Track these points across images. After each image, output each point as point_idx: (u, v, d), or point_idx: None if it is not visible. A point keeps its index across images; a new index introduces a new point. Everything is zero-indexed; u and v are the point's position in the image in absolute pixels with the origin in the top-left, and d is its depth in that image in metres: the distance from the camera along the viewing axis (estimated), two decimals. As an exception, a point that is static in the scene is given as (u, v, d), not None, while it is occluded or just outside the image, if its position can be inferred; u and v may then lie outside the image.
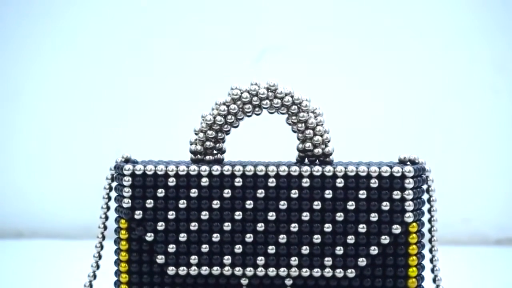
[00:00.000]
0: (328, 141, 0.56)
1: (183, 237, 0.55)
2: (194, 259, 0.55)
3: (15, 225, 1.06)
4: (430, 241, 0.58)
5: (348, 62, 1.04)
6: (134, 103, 1.06)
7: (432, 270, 0.58)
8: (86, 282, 0.59)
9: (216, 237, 0.55)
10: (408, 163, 0.57)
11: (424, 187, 0.57)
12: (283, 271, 0.55)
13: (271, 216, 0.55)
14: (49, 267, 0.88)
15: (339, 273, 0.55)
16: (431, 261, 0.58)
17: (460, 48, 1.05)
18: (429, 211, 0.58)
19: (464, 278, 0.81)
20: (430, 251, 0.58)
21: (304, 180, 0.55)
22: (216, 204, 0.55)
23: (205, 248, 0.55)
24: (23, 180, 1.08)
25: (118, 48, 1.08)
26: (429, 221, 0.58)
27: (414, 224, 0.55)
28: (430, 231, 0.58)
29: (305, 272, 0.55)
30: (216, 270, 0.55)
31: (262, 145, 0.86)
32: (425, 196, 0.57)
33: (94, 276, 0.59)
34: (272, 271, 0.55)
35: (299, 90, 0.57)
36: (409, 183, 0.55)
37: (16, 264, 0.90)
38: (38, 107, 1.09)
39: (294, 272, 0.55)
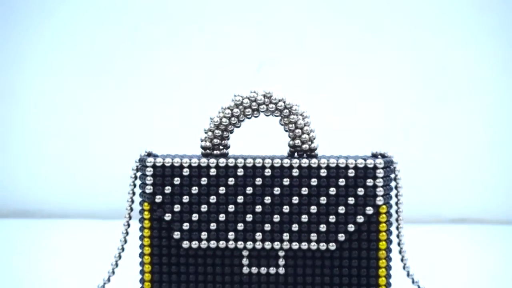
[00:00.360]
0: (314, 139, 0.57)
1: (195, 217, 0.55)
2: (204, 235, 0.55)
3: (56, 207, 1.06)
4: (397, 220, 0.58)
5: (332, 72, 1.03)
6: (156, 107, 1.06)
7: (398, 244, 0.58)
8: (116, 254, 0.59)
9: (222, 217, 0.55)
10: (379, 156, 0.57)
11: (392, 176, 0.57)
12: (277, 245, 0.55)
13: (267, 200, 0.55)
14: (84, 243, 0.88)
15: (323, 246, 0.55)
16: (398, 236, 0.58)
17: (432, 46, 1.05)
18: (396, 195, 0.58)
19: (424, 250, 0.81)
20: (397, 228, 0.58)
21: (294, 170, 0.55)
22: (222, 190, 0.55)
23: (213, 226, 0.55)
24: (65, 170, 1.07)
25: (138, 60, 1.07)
26: (396, 203, 0.58)
27: (384, 206, 0.55)
28: (397, 211, 0.58)
29: (295, 245, 0.55)
30: (222, 244, 0.55)
31: (260, 142, 0.86)
32: (393, 183, 0.57)
33: (123, 249, 0.59)
34: (268, 245, 0.55)
35: (290, 96, 0.57)
36: (380, 173, 0.55)
37: (57, 241, 0.90)
38: (79, 107, 1.09)
39: (286, 245, 0.55)
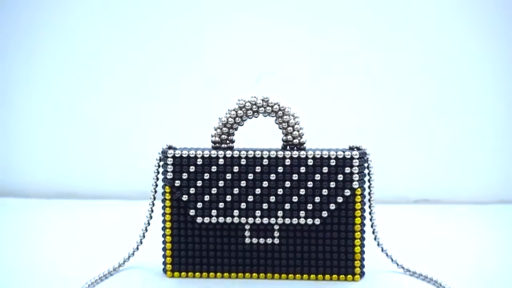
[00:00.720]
0: (303, 135, 0.57)
1: (207, 198, 0.56)
2: (214, 212, 0.57)
3: (93, 190, 1.08)
4: (369, 200, 0.59)
5: (318, 80, 1.04)
6: (173, 108, 1.06)
7: (371, 219, 0.60)
8: (143, 227, 0.60)
9: (228, 198, 0.56)
10: (355, 149, 0.58)
11: (365, 164, 0.58)
12: (273, 220, 0.56)
13: (265, 184, 0.56)
14: (117, 220, 0.88)
15: (309, 221, 0.56)
16: (370, 213, 0.59)
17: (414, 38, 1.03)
18: (369, 180, 0.59)
19: (392, 226, 0.82)
20: (369, 207, 0.59)
21: (287, 160, 0.56)
22: (228, 176, 0.56)
23: (221, 205, 0.56)
24: (99, 159, 1.08)
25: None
26: (369, 187, 0.59)
27: (359, 189, 0.57)
28: (369, 194, 0.59)
29: (287, 220, 0.56)
30: (228, 219, 0.57)
31: (259, 137, 0.87)
32: (366, 171, 0.58)
33: (149, 223, 0.60)
34: (265, 220, 0.56)
35: (283, 100, 0.58)
36: (356, 162, 0.56)
37: (92, 219, 0.89)
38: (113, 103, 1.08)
39: (280, 221, 0.56)
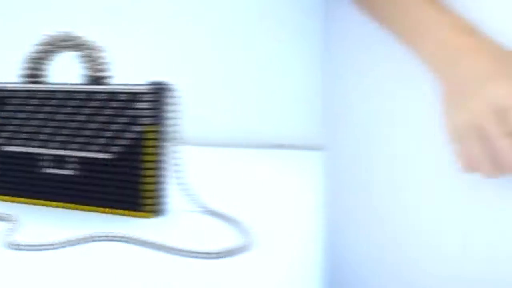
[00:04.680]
0: (105, 69, 0.57)
1: (10, 128, 0.59)
2: (17, 142, 0.59)
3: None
4: (173, 139, 0.58)
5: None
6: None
7: (174, 160, 0.59)
8: None
9: (28, 129, 0.59)
10: (157, 84, 0.56)
11: (168, 100, 0.56)
12: (67, 152, 0.58)
13: (60, 117, 0.57)
14: None
15: (101, 155, 0.57)
16: (174, 153, 0.58)
17: None
18: (174, 118, 0.57)
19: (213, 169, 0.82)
20: (173, 147, 0.58)
21: (80, 94, 0.57)
22: (28, 108, 0.58)
23: (24, 135, 0.59)
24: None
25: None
26: (174, 125, 0.58)
27: (152, 126, 0.55)
28: (174, 132, 0.57)
29: (80, 153, 0.57)
30: (30, 150, 0.59)
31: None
32: (173, 107, 0.56)
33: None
34: (61, 152, 0.58)
35: (90, 33, 0.58)
36: (145, 97, 0.55)
37: None
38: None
39: (73, 153, 0.57)
